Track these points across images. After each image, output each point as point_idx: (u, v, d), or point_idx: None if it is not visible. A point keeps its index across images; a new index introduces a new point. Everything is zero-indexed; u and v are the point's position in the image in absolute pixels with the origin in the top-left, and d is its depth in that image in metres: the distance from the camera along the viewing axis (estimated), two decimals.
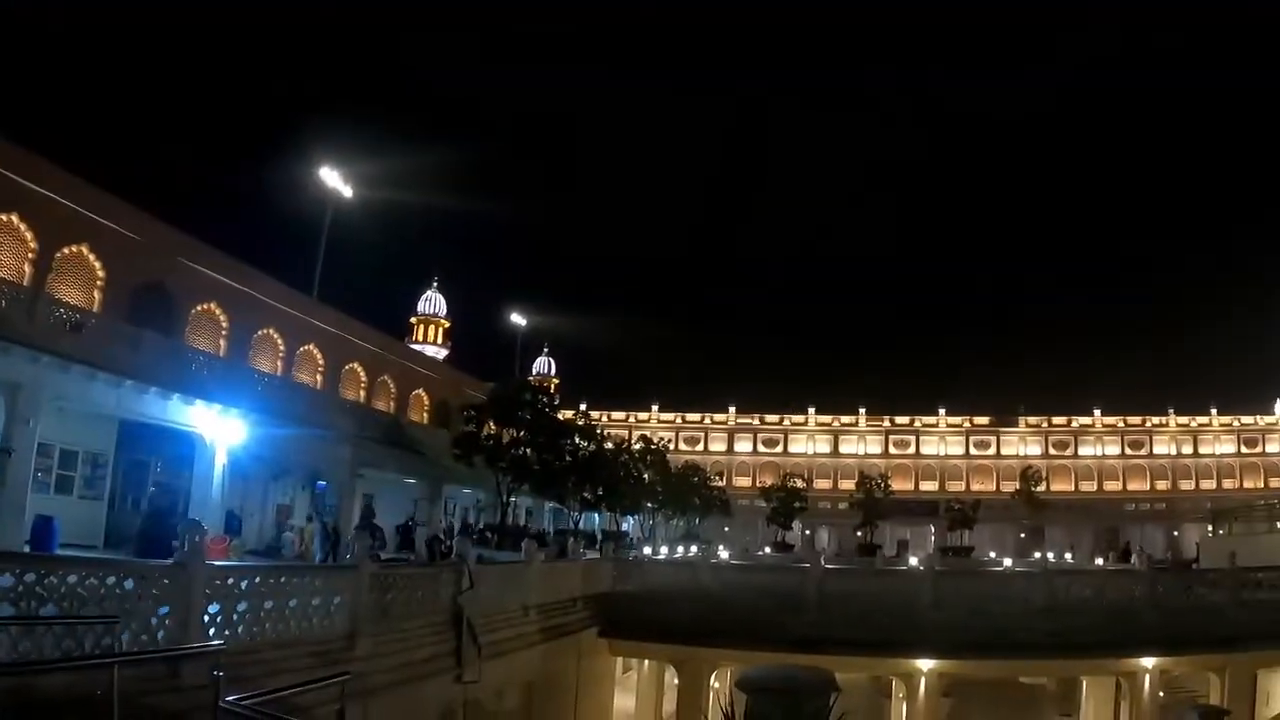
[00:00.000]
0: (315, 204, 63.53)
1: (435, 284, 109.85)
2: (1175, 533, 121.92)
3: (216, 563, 15.95)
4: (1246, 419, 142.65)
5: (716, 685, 34.35)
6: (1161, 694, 34.35)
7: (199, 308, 47.04)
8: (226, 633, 14.12)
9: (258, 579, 15.37)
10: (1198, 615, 34.83)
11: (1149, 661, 33.24)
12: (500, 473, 43.99)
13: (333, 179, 62.58)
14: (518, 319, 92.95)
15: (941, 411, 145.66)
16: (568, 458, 49.33)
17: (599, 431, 60.40)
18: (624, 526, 70.73)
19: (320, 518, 32.56)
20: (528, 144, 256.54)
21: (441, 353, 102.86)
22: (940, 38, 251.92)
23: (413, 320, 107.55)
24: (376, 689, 16.86)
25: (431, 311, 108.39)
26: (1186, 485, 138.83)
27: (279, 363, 53.37)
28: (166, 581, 13.38)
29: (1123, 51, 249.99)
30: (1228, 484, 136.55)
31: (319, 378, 57.70)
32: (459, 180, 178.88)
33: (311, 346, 57.19)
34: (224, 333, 48.66)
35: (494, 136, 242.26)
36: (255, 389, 38.54)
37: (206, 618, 13.80)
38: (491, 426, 46.73)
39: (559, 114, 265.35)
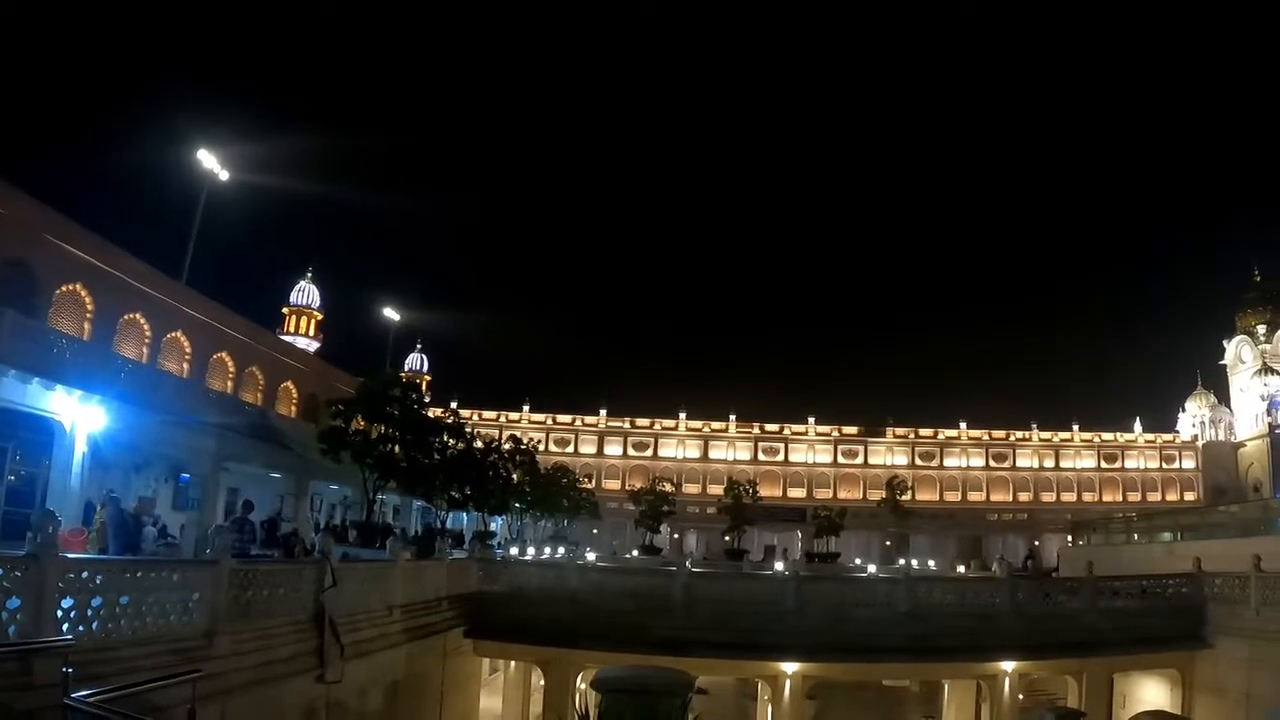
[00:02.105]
0: (190, 186, 61.89)
1: (309, 275, 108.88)
2: (1036, 542, 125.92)
3: (71, 555, 15.46)
4: (1107, 436, 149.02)
5: (583, 687, 34.27)
6: (1021, 696, 35.21)
7: (64, 288, 45.66)
8: (80, 628, 13.61)
9: (113, 573, 14.89)
10: (1056, 621, 35.92)
11: (1009, 665, 34.08)
12: (367, 469, 43.34)
13: (209, 161, 60.96)
14: (391, 314, 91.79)
15: (811, 420, 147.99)
16: (436, 455, 48.70)
17: (469, 430, 59.79)
18: (492, 526, 70.27)
19: (117, 503, 30.80)
20: (411, 138, 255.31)
21: (313, 345, 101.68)
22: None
23: (285, 311, 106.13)
24: (236, 688, 16.50)
25: (304, 303, 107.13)
26: (1048, 497, 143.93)
27: (145, 349, 52.08)
28: (18, 574, 12.91)
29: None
30: (1087, 497, 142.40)
31: (186, 366, 56.43)
32: (339, 171, 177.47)
33: (179, 334, 55.91)
34: (89, 315, 47.31)
35: (378, 129, 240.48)
36: (119, 375, 37.42)
37: (60, 612, 13.35)
38: (360, 422, 46.04)
39: (444, 109, 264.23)
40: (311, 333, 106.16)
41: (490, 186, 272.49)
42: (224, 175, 62.34)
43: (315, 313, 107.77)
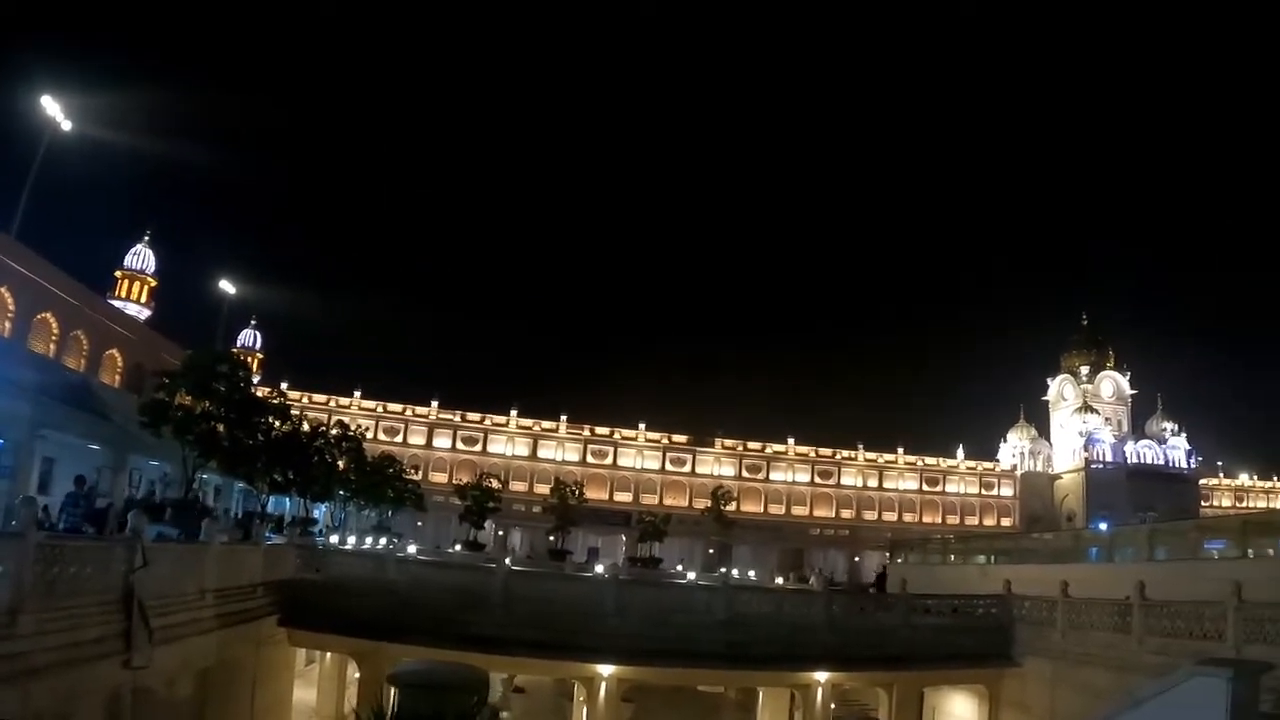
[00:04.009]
0: (28, 134, 59.34)
1: (147, 239, 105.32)
2: (856, 558, 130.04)
3: None
4: (930, 460, 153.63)
5: None
6: (834, 706, 36.16)
7: None
8: None
9: None
10: (870, 635, 36.97)
11: (822, 675, 34.97)
12: (188, 446, 42.11)
13: (52, 109, 58.45)
14: (227, 286, 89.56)
15: (642, 426, 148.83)
16: (260, 437, 47.61)
17: (298, 413, 58.62)
18: (315, 513, 69.12)
19: None
20: (271, 107, 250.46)
21: (144, 313, 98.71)
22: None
23: (118, 274, 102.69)
24: (39, 670, 15.89)
25: (139, 268, 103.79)
26: (870, 515, 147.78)
27: None
28: None
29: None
30: (908, 517, 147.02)
31: (6, 325, 54.40)
32: (189, 137, 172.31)
33: (3, 290, 53.90)
34: None
35: (236, 94, 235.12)
36: None
37: None
38: (184, 397, 44.74)
39: (307, 82, 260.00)
40: (144, 299, 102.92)
41: (343, 169, 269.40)
42: (66, 125, 59.93)
43: (149, 279, 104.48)
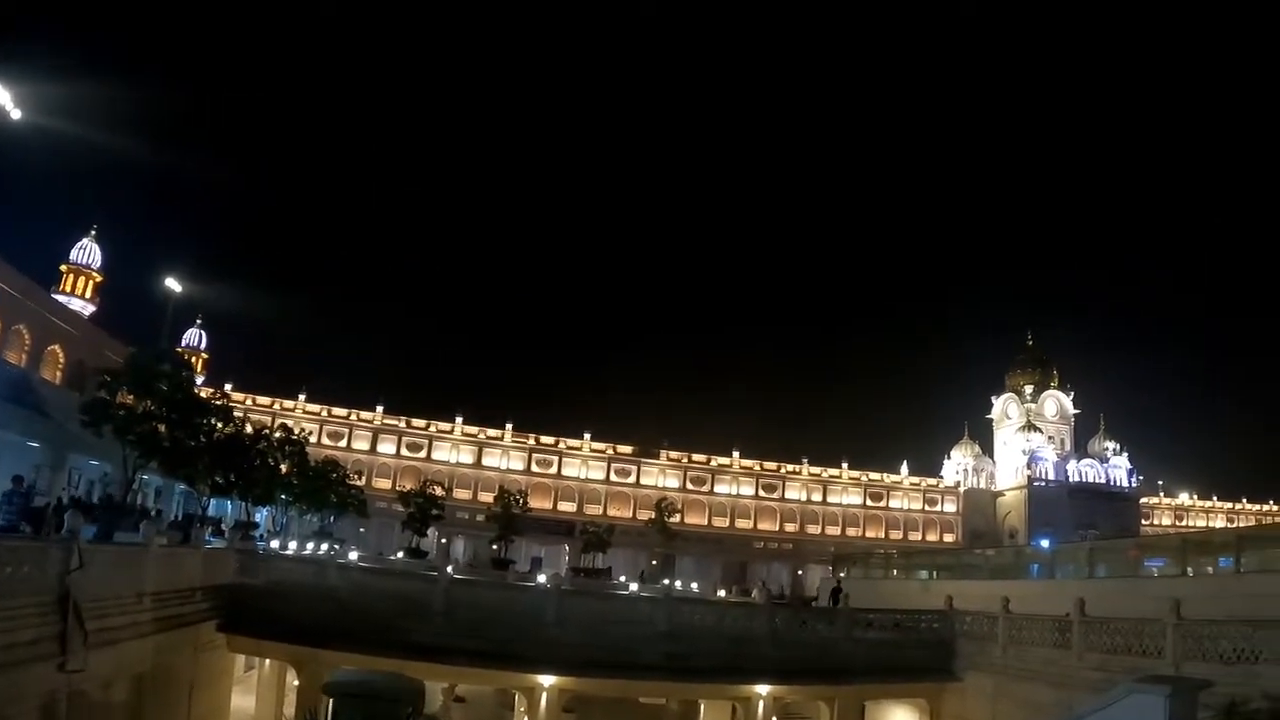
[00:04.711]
0: None
1: (94, 233, 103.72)
2: (800, 571, 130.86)
3: None
4: (874, 475, 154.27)
5: None
6: (775, 719, 36.01)
7: None
8: None
9: None
10: (812, 648, 37.30)
11: (764, 688, 35.09)
12: (128, 446, 41.45)
13: (1, 96, 57.34)
14: (173, 284, 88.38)
15: (587, 436, 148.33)
16: (202, 438, 46.96)
17: (241, 415, 57.96)
18: (256, 517, 68.33)
19: None
20: (224, 104, 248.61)
21: (89, 308, 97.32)
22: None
23: (63, 269, 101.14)
24: None
25: (85, 262, 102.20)
26: (814, 529, 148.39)
27: None
28: None
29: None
30: (852, 532, 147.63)
31: None
32: (144, 132, 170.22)
33: None
34: None
35: (191, 88, 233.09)
36: None
37: None
38: (126, 395, 44.03)
39: (265, 84, 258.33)
40: (89, 295, 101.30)
41: (293, 170, 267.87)
42: (16, 114, 58.86)
43: (95, 274, 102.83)
